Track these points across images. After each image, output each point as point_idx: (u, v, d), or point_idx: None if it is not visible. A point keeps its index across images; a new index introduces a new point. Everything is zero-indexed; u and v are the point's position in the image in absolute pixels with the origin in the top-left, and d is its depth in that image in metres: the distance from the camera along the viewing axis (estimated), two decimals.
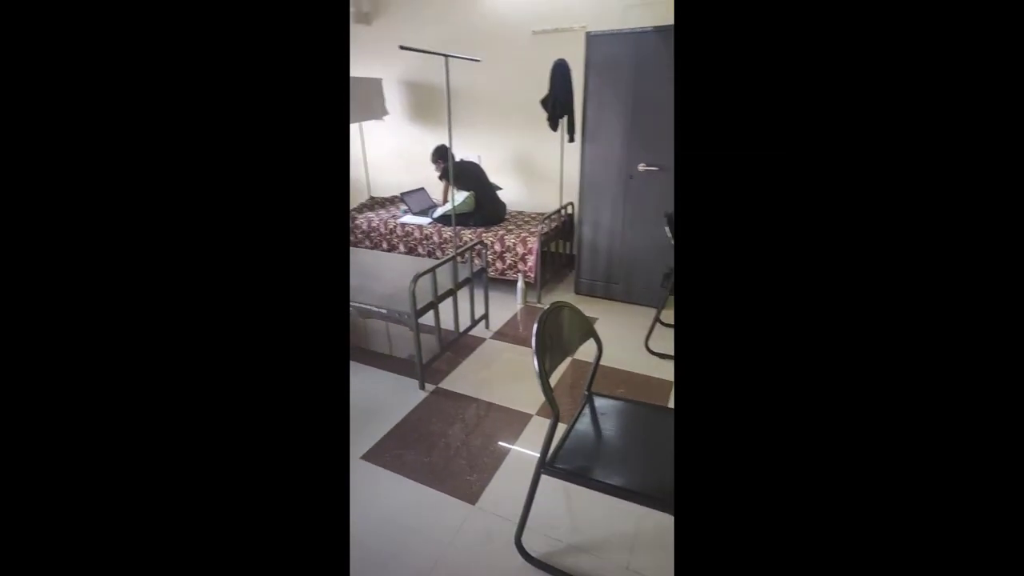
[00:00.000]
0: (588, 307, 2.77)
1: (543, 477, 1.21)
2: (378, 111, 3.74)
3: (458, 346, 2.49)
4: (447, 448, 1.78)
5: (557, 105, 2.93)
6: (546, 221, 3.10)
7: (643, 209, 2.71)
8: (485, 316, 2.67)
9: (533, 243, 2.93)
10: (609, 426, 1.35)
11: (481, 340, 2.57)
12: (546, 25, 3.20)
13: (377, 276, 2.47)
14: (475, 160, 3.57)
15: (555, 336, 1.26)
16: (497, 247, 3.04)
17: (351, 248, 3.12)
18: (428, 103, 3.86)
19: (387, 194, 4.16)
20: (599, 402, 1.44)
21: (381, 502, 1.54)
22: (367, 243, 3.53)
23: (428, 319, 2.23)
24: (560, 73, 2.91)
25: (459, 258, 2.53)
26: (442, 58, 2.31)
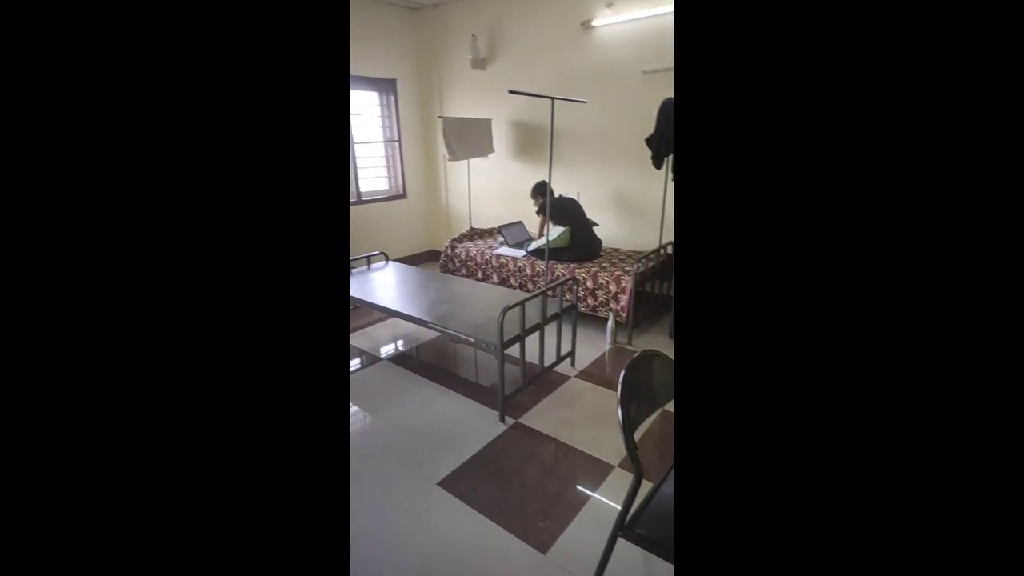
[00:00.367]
0: None
1: (620, 540, 1.11)
2: (485, 149, 3.96)
3: (542, 381, 2.44)
4: (521, 487, 1.73)
5: (663, 143, 2.85)
6: (643, 260, 2.99)
7: None
8: (572, 353, 2.61)
9: (627, 282, 2.83)
10: None
11: (566, 378, 2.50)
12: (657, 64, 3.18)
13: (469, 304, 2.55)
14: (574, 197, 3.59)
15: (644, 385, 1.17)
16: (589, 283, 2.99)
17: (448, 275, 3.28)
18: (532, 141, 4.01)
19: (486, 226, 4.33)
20: None
21: (451, 533, 1.53)
22: (463, 271, 3.69)
23: (514, 351, 2.23)
24: (667, 111, 2.84)
25: (550, 293, 2.52)
26: (548, 100, 2.38)
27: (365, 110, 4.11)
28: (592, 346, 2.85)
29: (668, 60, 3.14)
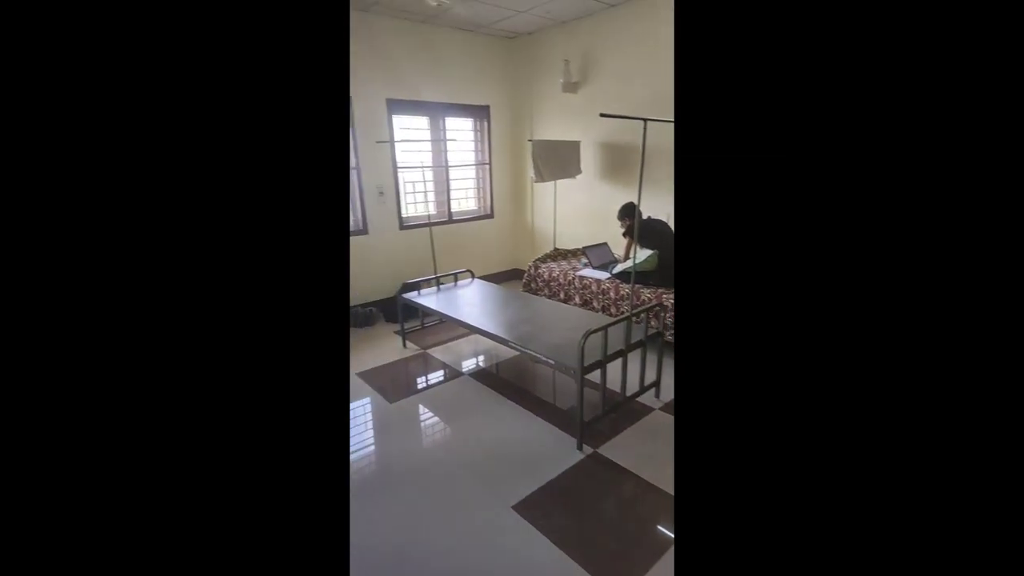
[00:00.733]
0: None
1: None
2: (573, 171, 3.97)
3: (623, 410, 2.34)
4: (598, 521, 1.65)
5: None
6: None
7: None
8: (656, 383, 2.47)
9: None
10: None
11: (649, 409, 2.37)
12: None
13: (550, 326, 2.53)
14: (664, 219, 3.45)
15: None
16: None
17: (531, 295, 3.30)
18: (621, 162, 3.94)
19: (571, 246, 4.31)
20: None
21: (524, 560, 1.49)
22: (546, 291, 3.69)
23: (595, 376, 2.17)
24: None
25: (635, 318, 2.43)
26: (640, 121, 2.33)
27: (459, 135, 4.34)
28: None
29: None
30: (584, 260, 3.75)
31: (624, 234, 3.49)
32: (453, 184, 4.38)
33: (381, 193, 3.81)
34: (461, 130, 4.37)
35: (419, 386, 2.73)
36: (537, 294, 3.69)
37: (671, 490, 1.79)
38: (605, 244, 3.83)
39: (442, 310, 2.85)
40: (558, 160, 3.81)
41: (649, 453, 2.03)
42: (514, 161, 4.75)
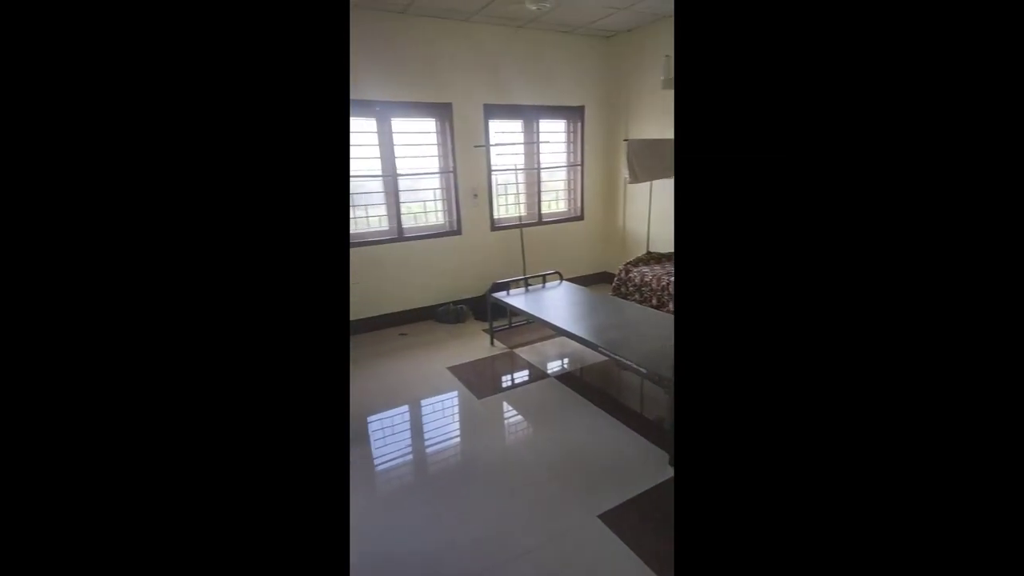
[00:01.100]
0: None
1: None
2: (669, 171, 3.79)
3: None
4: None
5: None
6: None
7: None
8: None
9: None
10: None
11: None
12: None
13: (641, 332, 2.43)
14: None
15: None
16: None
17: (620, 299, 3.20)
18: None
19: (665, 250, 4.12)
20: None
21: (609, 573, 1.45)
22: (637, 296, 3.56)
23: None
24: None
25: None
26: None
27: (552, 137, 4.35)
28: None
29: None
30: None
31: None
32: (544, 186, 4.40)
33: (475, 196, 3.95)
34: (554, 132, 4.37)
35: (505, 384, 2.78)
36: (627, 299, 3.58)
37: None
38: None
39: (530, 310, 2.87)
40: (654, 160, 3.65)
41: None
42: (606, 162, 4.65)
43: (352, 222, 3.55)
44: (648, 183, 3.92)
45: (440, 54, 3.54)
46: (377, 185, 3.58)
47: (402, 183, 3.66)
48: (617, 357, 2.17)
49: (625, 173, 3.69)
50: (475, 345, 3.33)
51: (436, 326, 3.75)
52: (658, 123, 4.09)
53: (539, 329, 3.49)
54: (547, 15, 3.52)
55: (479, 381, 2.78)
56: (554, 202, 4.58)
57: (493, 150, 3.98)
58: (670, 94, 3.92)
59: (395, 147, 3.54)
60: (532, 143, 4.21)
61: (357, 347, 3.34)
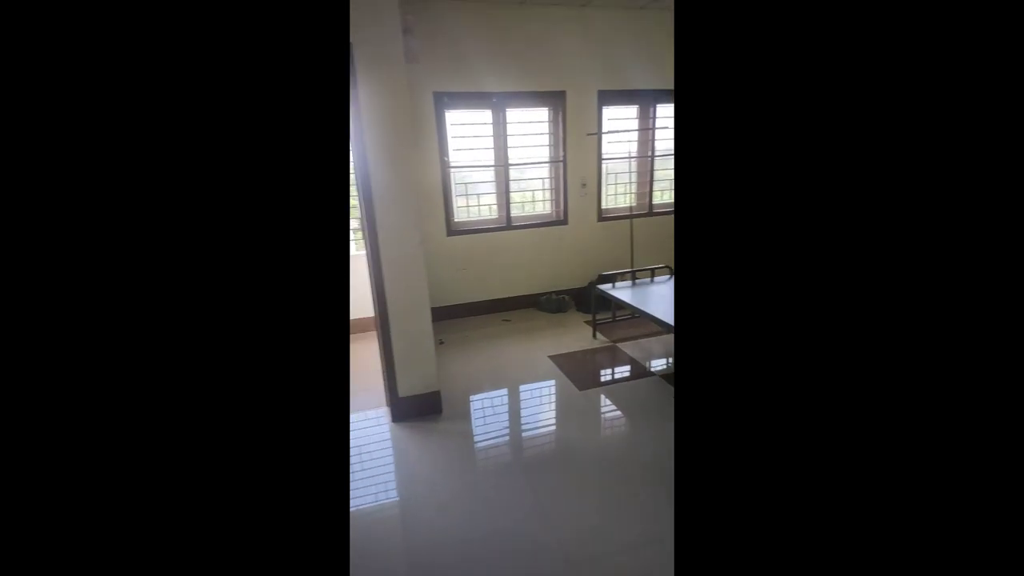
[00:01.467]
0: None
1: None
2: None
3: None
4: None
5: None
6: None
7: None
8: None
9: None
10: None
11: None
12: None
13: None
14: None
15: None
16: None
17: None
18: None
19: None
20: None
21: None
22: None
23: None
24: None
25: None
26: None
27: (670, 123, 4.09)
28: None
29: None
30: None
31: None
32: (657, 175, 4.17)
33: (583, 185, 3.89)
34: (671, 117, 4.11)
35: (605, 378, 2.72)
36: None
37: None
38: None
39: (636, 304, 2.76)
40: None
41: None
42: None
43: (465, 210, 3.73)
44: None
45: (555, 42, 3.52)
46: (489, 175, 3.70)
47: (512, 173, 3.74)
48: None
49: None
50: (577, 336, 3.31)
51: (537, 314, 3.80)
52: None
53: (644, 324, 3.34)
54: None
55: (580, 372, 2.75)
56: (667, 192, 4.33)
57: (605, 138, 3.87)
58: None
59: (508, 137, 3.63)
60: (647, 129, 4.01)
61: (462, 329, 3.52)
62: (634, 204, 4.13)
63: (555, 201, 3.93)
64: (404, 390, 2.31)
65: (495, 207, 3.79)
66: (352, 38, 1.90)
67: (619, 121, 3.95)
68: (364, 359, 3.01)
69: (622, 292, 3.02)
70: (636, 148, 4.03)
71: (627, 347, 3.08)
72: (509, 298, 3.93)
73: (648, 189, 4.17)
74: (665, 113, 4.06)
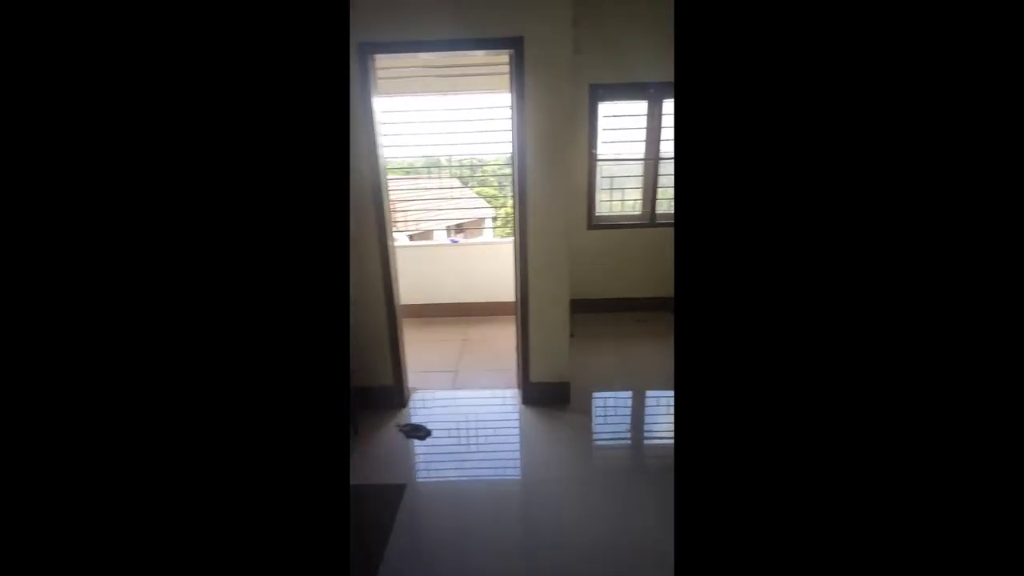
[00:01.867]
0: None
1: None
2: None
3: None
4: None
5: None
6: None
7: None
8: None
9: None
10: None
11: None
12: None
13: None
14: None
15: None
16: None
17: None
18: None
19: None
20: None
21: None
22: None
23: None
24: None
25: None
26: None
27: None
28: None
29: None
30: None
31: None
32: None
33: None
34: None
35: None
36: None
37: None
38: None
39: None
40: None
41: None
42: None
43: (607, 204, 3.67)
44: None
45: None
46: (636, 169, 3.58)
47: (662, 168, 3.56)
48: None
49: None
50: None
51: (673, 319, 3.59)
52: None
53: None
54: None
55: None
56: None
57: None
58: None
59: (662, 130, 3.45)
60: None
61: (593, 324, 3.50)
62: None
63: (646, 202, 3.64)
64: (536, 376, 2.40)
65: (639, 202, 3.65)
66: (523, 31, 1.97)
67: None
68: (502, 340, 3.18)
69: None
70: None
71: None
72: (646, 298, 3.78)
73: None
74: None
